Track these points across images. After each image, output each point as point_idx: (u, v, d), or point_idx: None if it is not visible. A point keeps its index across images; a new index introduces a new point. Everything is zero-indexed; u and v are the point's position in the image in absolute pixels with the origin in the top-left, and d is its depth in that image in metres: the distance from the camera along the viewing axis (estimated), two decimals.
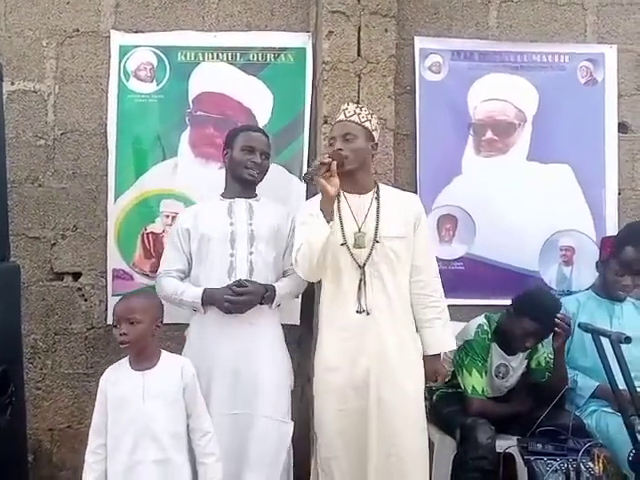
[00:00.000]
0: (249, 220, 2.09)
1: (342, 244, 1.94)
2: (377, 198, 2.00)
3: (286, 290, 2.08)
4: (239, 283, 1.97)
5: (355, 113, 1.97)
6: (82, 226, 2.67)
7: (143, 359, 1.78)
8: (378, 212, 1.97)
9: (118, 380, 1.77)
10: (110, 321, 2.62)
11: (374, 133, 2.00)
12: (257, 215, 2.11)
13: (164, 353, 1.82)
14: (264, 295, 2.00)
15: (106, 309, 2.64)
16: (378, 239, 1.95)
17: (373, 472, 1.87)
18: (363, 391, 1.90)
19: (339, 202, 1.98)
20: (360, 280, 1.93)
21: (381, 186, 2.06)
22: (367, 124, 1.98)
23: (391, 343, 1.92)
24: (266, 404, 1.99)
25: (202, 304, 2.00)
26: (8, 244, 2.26)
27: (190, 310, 2.10)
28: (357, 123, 1.96)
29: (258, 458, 1.97)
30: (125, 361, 1.81)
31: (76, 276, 2.68)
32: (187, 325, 2.16)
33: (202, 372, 1.91)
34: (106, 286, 2.64)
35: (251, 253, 2.06)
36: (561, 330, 2.20)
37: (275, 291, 2.04)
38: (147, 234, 2.63)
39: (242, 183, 2.13)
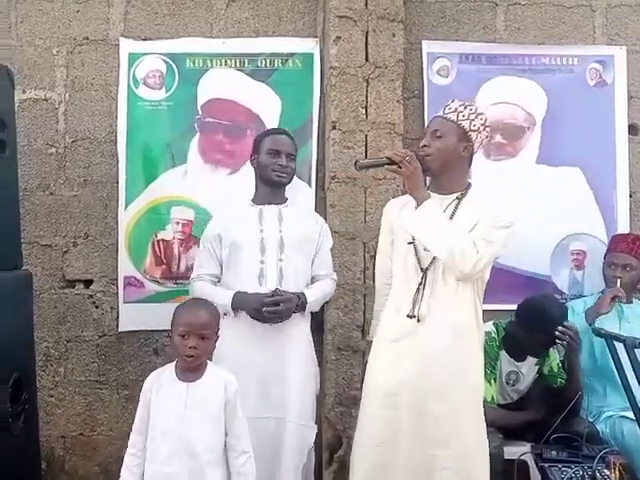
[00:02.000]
0: (279, 227, 2.10)
1: (409, 243, 1.86)
2: (459, 200, 1.86)
3: (317, 296, 2.09)
4: (275, 292, 1.97)
5: (455, 110, 1.85)
6: (93, 233, 2.69)
7: (194, 370, 1.75)
8: (453, 215, 1.84)
9: (162, 387, 1.75)
10: (122, 329, 2.64)
11: (472, 134, 1.85)
12: (286, 222, 2.11)
13: (209, 365, 1.79)
14: (297, 303, 2.01)
15: (117, 316, 2.65)
16: None
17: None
18: (393, 400, 1.81)
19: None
20: (420, 284, 1.84)
21: (471, 191, 1.90)
22: (465, 123, 1.83)
23: (440, 352, 1.79)
24: (294, 409, 2.01)
25: (232, 308, 2.01)
26: (20, 252, 2.28)
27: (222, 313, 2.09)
28: (452, 121, 1.83)
29: (288, 462, 1.99)
30: (171, 368, 1.78)
31: (87, 283, 2.69)
32: None
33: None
34: (117, 293, 2.65)
35: (280, 260, 2.06)
36: (564, 341, 2.15)
37: (306, 298, 2.04)
38: (158, 241, 2.64)
39: (271, 187, 2.14)
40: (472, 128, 1.84)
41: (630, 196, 2.73)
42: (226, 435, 1.74)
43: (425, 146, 1.85)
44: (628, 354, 1.84)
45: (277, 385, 2.00)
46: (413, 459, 1.77)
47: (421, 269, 1.84)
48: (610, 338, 1.92)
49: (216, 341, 1.79)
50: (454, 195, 1.88)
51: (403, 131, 2.54)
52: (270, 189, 2.15)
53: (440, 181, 1.89)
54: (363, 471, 1.83)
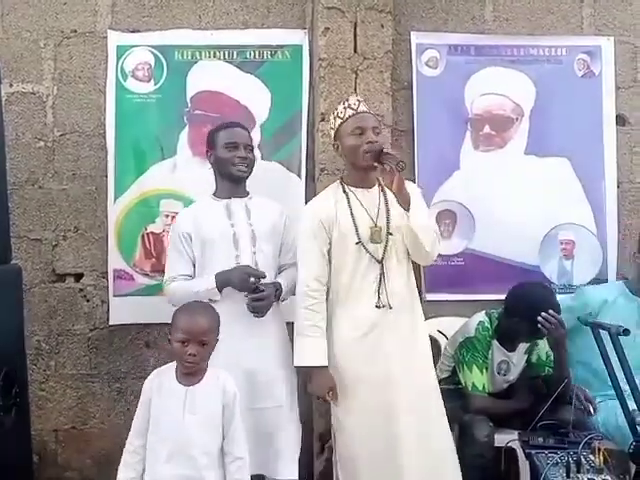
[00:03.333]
0: (248, 220, 2.09)
1: (357, 243, 1.93)
2: (383, 191, 1.99)
3: (288, 286, 2.09)
4: (257, 288, 1.96)
5: (369, 109, 2.00)
6: (83, 227, 2.68)
7: (194, 374, 1.75)
8: (387, 205, 1.97)
9: (162, 388, 1.75)
10: (112, 322, 2.64)
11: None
12: (254, 214, 2.11)
13: (209, 368, 1.79)
14: (275, 294, 2.02)
15: (108, 310, 2.65)
16: (391, 232, 1.94)
17: (414, 470, 1.85)
18: (386, 387, 1.88)
19: (348, 197, 1.98)
20: (381, 275, 1.91)
21: (380, 180, 2.04)
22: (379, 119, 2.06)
23: (412, 337, 1.94)
24: (281, 396, 2.03)
25: (218, 288, 1.99)
26: (10, 246, 2.27)
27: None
28: (376, 118, 2.01)
29: (286, 447, 2.02)
30: (171, 370, 1.78)
31: (78, 277, 2.69)
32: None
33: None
34: (107, 287, 2.65)
35: (254, 253, 2.06)
36: (547, 328, 2.14)
37: (282, 288, 2.05)
38: (147, 234, 2.64)
39: (233, 181, 2.12)
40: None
41: (618, 186, 2.75)
42: (223, 439, 1.74)
43: (376, 141, 1.91)
44: (613, 342, 1.86)
45: (261, 376, 2.00)
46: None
47: (377, 261, 1.93)
48: (595, 326, 1.94)
49: (214, 344, 1.78)
50: (376, 188, 2.02)
51: (392, 122, 2.55)
52: (231, 183, 2.12)
53: (367, 176, 1.99)
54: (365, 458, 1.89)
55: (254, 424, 1.94)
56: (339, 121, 1.98)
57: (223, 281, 1.99)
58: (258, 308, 1.97)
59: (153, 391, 1.75)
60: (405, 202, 1.89)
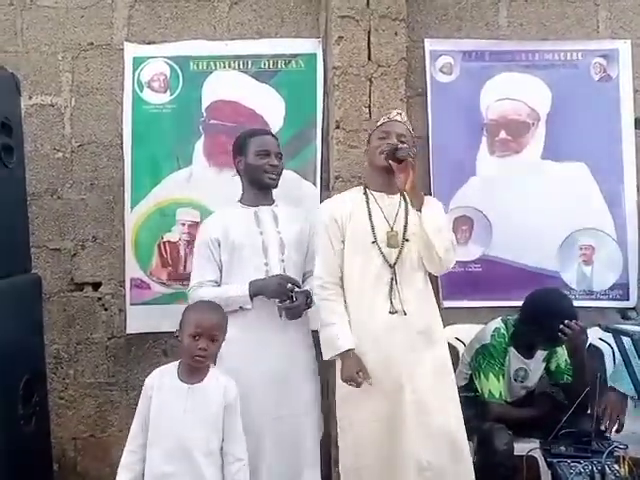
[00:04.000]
0: (276, 228, 2.10)
1: (373, 242, 1.92)
2: (405, 200, 1.98)
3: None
4: (291, 295, 1.97)
5: (405, 120, 2.03)
6: (101, 236, 2.71)
7: (196, 373, 1.77)
8: (407, 211, 1.96)
9: (163, 387, 1.76)
10: (130, 330, 2.66)
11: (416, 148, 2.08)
12: (282, 222, 2.12)
13: (211, 369, 1.80)
14: (307, 302, 2.02)
15: (125, 318, 2.67)
16: (407, 238, 1.93)
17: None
18: (397, 395, 1.85)
19: (368, 201, 1.99)
20: (392, 280, 1.90)
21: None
22: (412, 132, 2.05)
23: (424, 344, 1.90)
24: (307, 404, 2.03)
25: (250, 297, 1.99)
26: (29, 256, 2.31)
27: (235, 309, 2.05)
28: (408, 129, 2.02)
29: (311, 454, 2.02)
30: (173, 368, 1.80)
31: (96, 286, 2.72)
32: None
33: (242, 376, 1.89)
34: (125, 295, 2.67)
35: (282, 261, 2.07)
36: (567, 335, 2.10)
37: (312, 296, 2.04)
38: (164, 243, 2.66)
39: (261, 188, 2.13)
40: (414, 138, 2.07)
41: (638, 190, 2.71)
42: (223, 440, 1.75)
43: (401, 146, 1.91)
44: (635, 348, 1.83)
45: (287, 383, 2.00)
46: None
47: (390, 265, 1.91)
48: (618, 333, 1.91)
49: (222, 343, 1.80)
50: (398, 195, 2.00)
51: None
52: (260, 191, 2.13)
53: (390, 182, 1.96)
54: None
55: (279, 432, 1.95)
56: (374, 129, 2.04)
57: (257, 289, 1.99)
58: (291, 316, 1.98)
59: (154, 389, 1.76)
60: (418, 202, 1.89)
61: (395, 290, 1.89)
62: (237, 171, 2.19)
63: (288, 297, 1.95)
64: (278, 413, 1.97)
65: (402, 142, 1.93)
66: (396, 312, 1.88)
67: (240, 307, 1.99)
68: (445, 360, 1.96)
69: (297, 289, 1.99)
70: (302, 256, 2.13)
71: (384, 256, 1.92)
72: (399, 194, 2.00)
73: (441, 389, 1.90)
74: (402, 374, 1.86)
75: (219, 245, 2.08)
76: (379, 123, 2.04)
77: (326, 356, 1.94)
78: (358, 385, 1.84)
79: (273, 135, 2.23)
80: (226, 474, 1.74)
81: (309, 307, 2.05)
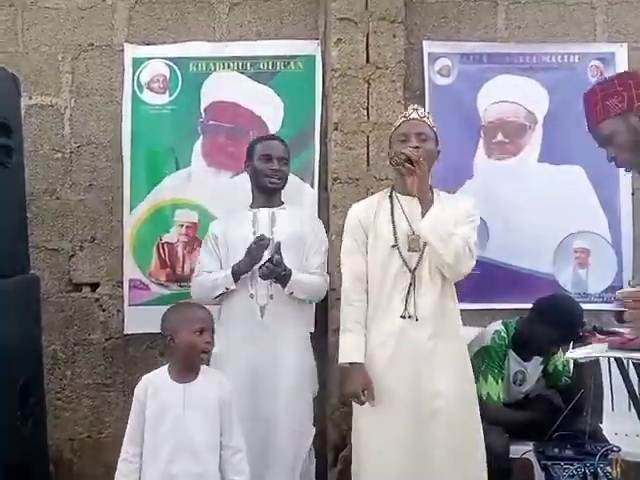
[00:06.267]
0: (271, 228, 2.15)
1: (393, 246, 1.89)
2: (431, 201, 1.89)
3: (302, 281, 2.09)
4: (263, 245, 2.04)
5: (426, 116, 1.95)
6: (99, 237, 2.72)
7: (190, 371, 1.77)
8: None
9: (158, 390, 1.76)
10: (128, 331, 2.67)
11: (439, 140, 1.97)
12: (279, 223, 2.17)
13: (203, 367, 1.81)
14: (281, 272, 2.02)
15: (123, 319, 2.68)
16: None
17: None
18: (412, 401, 1.82)
19: (392, 203, 1.95)
20: (410, 285, 1.86)
21: (436, 191, 1.98)
22: (435, 129, 1.95)
23: (436, 349, 1.84)
24: (287, 414, 2.03)
25: (233, 275, 2.08)
26: (28, 257, 2.31)
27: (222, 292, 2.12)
28: (429, 126, 1.93)
29: (279, 464, 2.02)
30: (162, 372, 1.80)
31: (94, 287, 2.72)
32: None
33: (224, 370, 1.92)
34: (123, 296, 2.67)
35: None
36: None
37: (291, 274, 2.05)
38: (162, 244, 2.66)
39: (265, 192, 2.21)
40: (437, 135, 1.95)
41: (632, 194, 2.72)
42: (221, 435, 1.75)
43: (417, 147, 1.86)
44: (638, 373, 1.82)
45: (268, 385, 2.02)
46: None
47: (409, 270, 1.88)
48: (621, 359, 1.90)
49: None
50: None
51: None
52: (264, 194, 2.22)
53: None
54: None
55: (250, 433, 1.92)
56: (393, 129, 1.98)
57: (236, 266, 2.07)
58: (266, 272, 2.01)
59: (147, 396, 1.75)
60: (423, 207, 1.84)
61: (412, 295, 1.86)
62: (248, 176, 2.27)
63: (257, 254, 2.02)
64: (253, 414, 1.97)
65: (423, 140, 1.88)
66: (409, 317, 1.84)
67: (226, 288, 2.08)
68: (462, 368, 1.91)
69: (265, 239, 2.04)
70: (298, 256, 2.15)
71: (404, 260, 1.88)
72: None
73: (464, 401, 1.86)
74: (413, 380, 1.82)
75: (217, 242, 2.20)
76: (396, 124, 1.97)
77: (340, 360, 1.93)
78: (361, 403, 1.83)
79: (282, 140, 2.27)
80: (227, 467, 1.74)
81: (284, 285, 2.05)
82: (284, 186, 2.23)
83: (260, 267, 2.03)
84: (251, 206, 2.25)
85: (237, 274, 2.09)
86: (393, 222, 1.92)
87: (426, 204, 1.85)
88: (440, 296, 1.88)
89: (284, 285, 2.07)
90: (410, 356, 1.84)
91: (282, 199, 2.26)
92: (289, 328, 2.10)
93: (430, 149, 1.90)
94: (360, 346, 1.88)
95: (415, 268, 1.88)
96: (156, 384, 1.78)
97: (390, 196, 1.98)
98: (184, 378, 1.77)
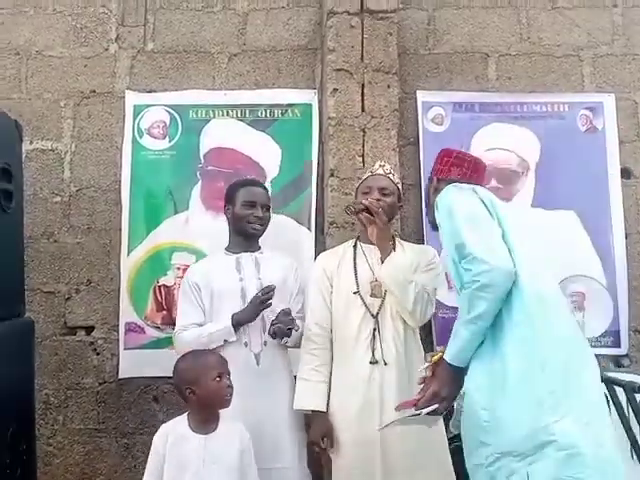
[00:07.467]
0: (257, 275, 2.12)
1: (355, 292, 1.97)
2: (393, 249, 2.01)
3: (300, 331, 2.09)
4: (269, 303, 2.00)
5: (391, 172, 2.10)
6: (96, 280, 2.72)
7: (211, 421, 1.75)
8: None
9: (177, 442, 1.72)
10: (122, 375, 2.64)
11: (401, 196, 2.13)
12: (264, 269, 2.14)
13: (222, 415, 1.78)
14: (295, 329, 2.00)
15: (118, 363, 2.65)
16: None
17: None
18: (375, 447, 1.85)
19: (355, 252, 2.06)
20: (374, 330, 1.93)
21: (399, 241, 2.12)
22: (399, 186, 2.10)
23: (402, 395, 1.87)
24: (287, 455, 1.99)
25: (233, 327, 2.00)
26: (24, 300, 2.30)
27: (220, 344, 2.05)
28: (393, 182, 2.07)
29: None
30: (182, 421, 1.77)
31: (89, 330, 2.71)
32: None
33: None
34: (118, 340, 2.66)
35: None
36: None
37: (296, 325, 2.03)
38: (159, 287, 2.67)
39: (246, 237, 2.17)
40: (402, 190, 2.12)
41: (626, 237, 2.77)
42: None
43: (379, 200, 1.98)
44: (628, 398, 1.83)
45: (268, 434, 1.97)
46: None
47: (372, 315, 1.95)
48: (609, 382, 1.91)
49: None
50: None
51: (400, 177, 2.58)
52: (244, 239, 2.17)
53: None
54: None
55: None
56: (359, 182, 2.13)
57: (237, 317, 2.01)
58: (279, 333, 1.96)
59: (167, 448, 1.72)
60: (382, 254, 1.95)
61: (377, 340, 1.92)
62: (226, 219, 2.23)
63: (265, 305, 1.99)
64: (258, 466, 1.90)
65: (385, 195, 2.01)
66: (377, 362, 1.90)
67: (225, 340, 2.01)
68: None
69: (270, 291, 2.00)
70: (284, 302, 2.12)
71: (367, 306, 1.96)
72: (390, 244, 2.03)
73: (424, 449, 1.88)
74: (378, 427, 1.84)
75: (199, 290, 2.10)
76: (363, 177, 2.12)
77: (295, 405, 1.97)
78: (322, 450, 1.89)
79: (263, 187, 2.26)
80: None
81: (289, 333, 2.01)
82: (264, 232, 2.20)
83: (271, 325, 1.98)
84: (229, 249, 2.19)
85: (239, 325, 2.01)
86: (355, 269, 2.01)
87: (385, 251, 1.95)
88: (406, 340, 1.94)
89: (289, 336, 2.03)
90: (380, 400, 1.88)
91: (260, 244, 2.22)
92: (283, 371, 2.07)
93: (391, 202, 2.03)
94: (320, 394, 1.93)
95: (377, 313, 1.95)
96: (175, 435, 1.74)
97: (354, 245, 2.09)
98: (205, 429, 1.74)
